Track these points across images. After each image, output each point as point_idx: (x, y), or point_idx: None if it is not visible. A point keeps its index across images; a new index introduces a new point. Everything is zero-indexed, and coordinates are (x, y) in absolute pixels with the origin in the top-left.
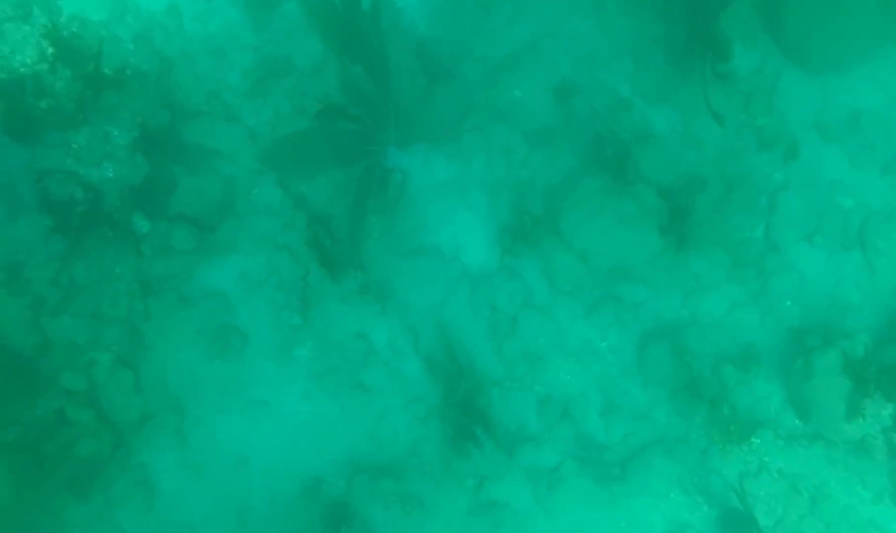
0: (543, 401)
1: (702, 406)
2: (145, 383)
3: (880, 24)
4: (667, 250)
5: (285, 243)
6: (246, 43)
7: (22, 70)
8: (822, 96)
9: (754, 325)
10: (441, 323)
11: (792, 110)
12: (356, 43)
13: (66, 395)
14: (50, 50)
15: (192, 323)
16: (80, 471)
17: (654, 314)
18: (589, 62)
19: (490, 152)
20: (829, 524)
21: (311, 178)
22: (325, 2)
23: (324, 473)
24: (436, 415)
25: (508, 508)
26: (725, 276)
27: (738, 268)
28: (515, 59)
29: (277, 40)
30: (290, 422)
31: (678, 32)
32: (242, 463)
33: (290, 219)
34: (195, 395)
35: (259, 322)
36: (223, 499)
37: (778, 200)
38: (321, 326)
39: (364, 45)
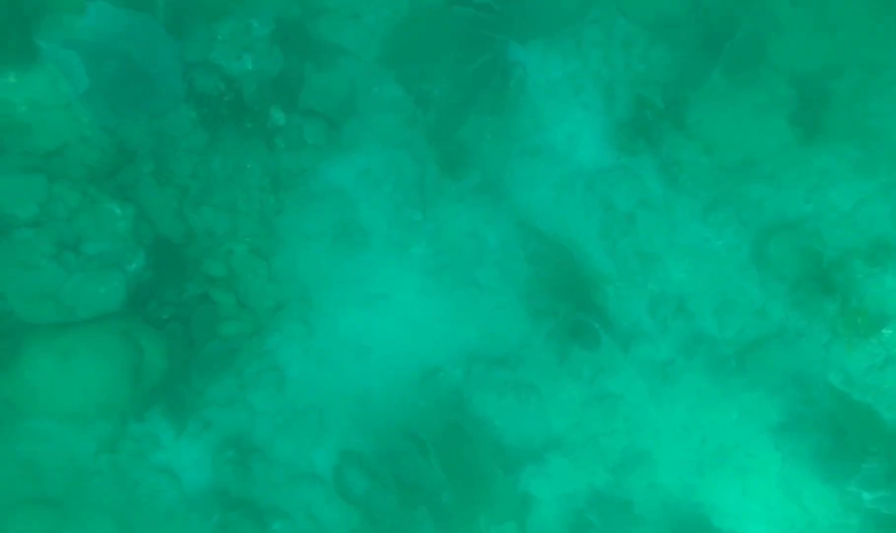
0: (657, 299)
1: (825, 300)
2: (277, 274)
3: None
4: (795, 143)
5: (404, 141)
6: None
7: None
8: None
9: (884, 218)
10: (554, 222)
11: None
12: None
13: (209, 281)
14: None
15: (318, 218)
16: (222, 351)
17: (775, 210)
18: None
19: (609, 46)
20: None
21: (432, 76)
22: None
23: (440, 362)
24: (549, 311)
25: (622, 400)
26: (854, 168)
27: (869, 160)
28: None
29: None
30: (406, 315)
31: None
32: (363, 352)
33: (410, 116)
34: (321, 287)
35: (378, 219)
36: (346, 385)
37: None
38: (436, 224)
39: None
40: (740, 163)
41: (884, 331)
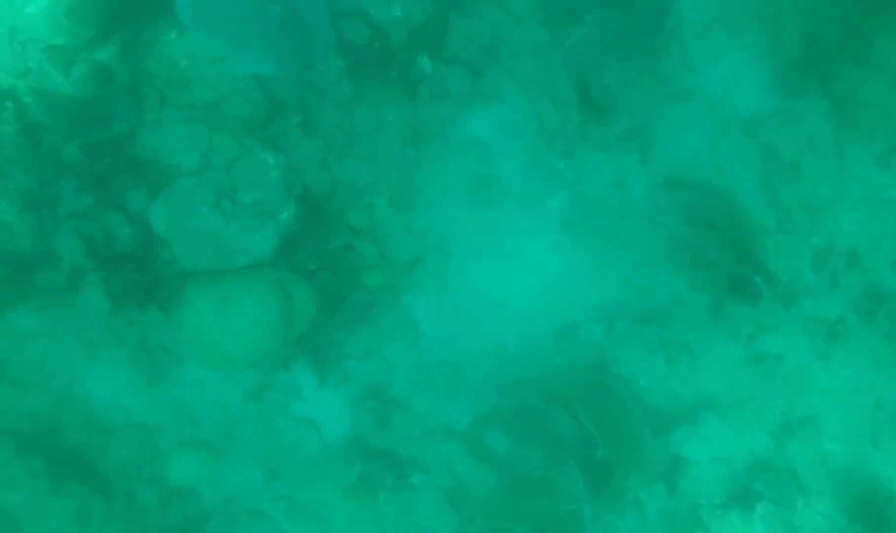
0: (824, 252)
1: None
2: (415, 227)
3: None
4: None
5: (546, 87)
6: None
7: None
8: None
9: None
10: (707, 171)
11: None
12: None
13: (352, 232)
14: None
15: (455, 170)
16: (362, 305)
17: None
18: None
19: None
20: None
21: (578, 18)
22: None
23: (579, 319)
24: (703, 264)
25: (783, 361)
26: None
27: None
28: None
29: None
30: (543, 270)
31: None
32: (498, 307)
33: (553, 61)
34: (456, 240)
35: (516, 171)
36: (481, 340)
37: None
38: (577, 174)
39: None
40: None
41: None
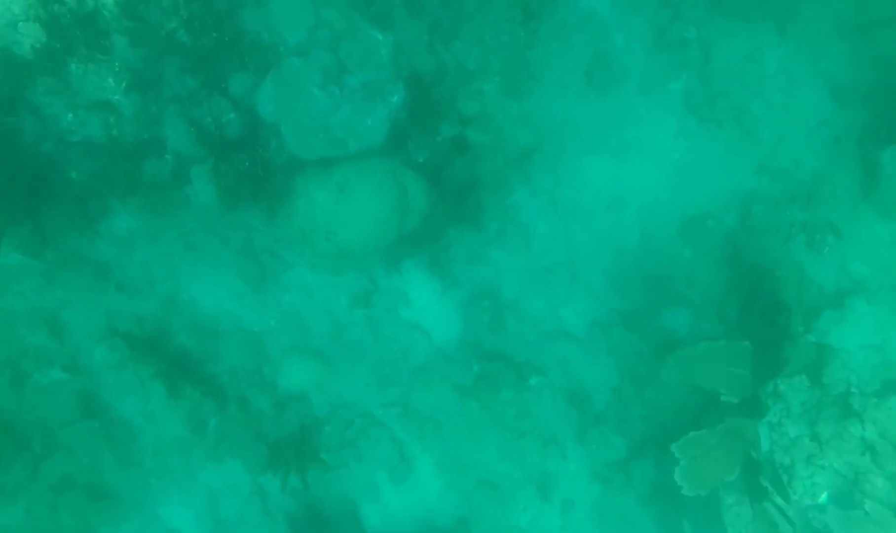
0: None
1: None
2: (527, 116)
3: None
4: None
5: None
6: None
7: None
8: None
9: None
10: (859, 40)
11: None
12: None
13: (462, 121)
14: None
15: (569, 51)
16: (472, 205)
17: None
18: None
19: None
20: None
21: None
22: None
23: (707, 208)
24: (850, 138)
25: None
26: None
27: None
28: None
29: None
30: (665, 160)
31: None
32: (617, 203)
33: None
34: (571, 130)
35: (635, 50)
36: (597, 239)
37: None
38: (704, 50)
39: None
40: None
41: None
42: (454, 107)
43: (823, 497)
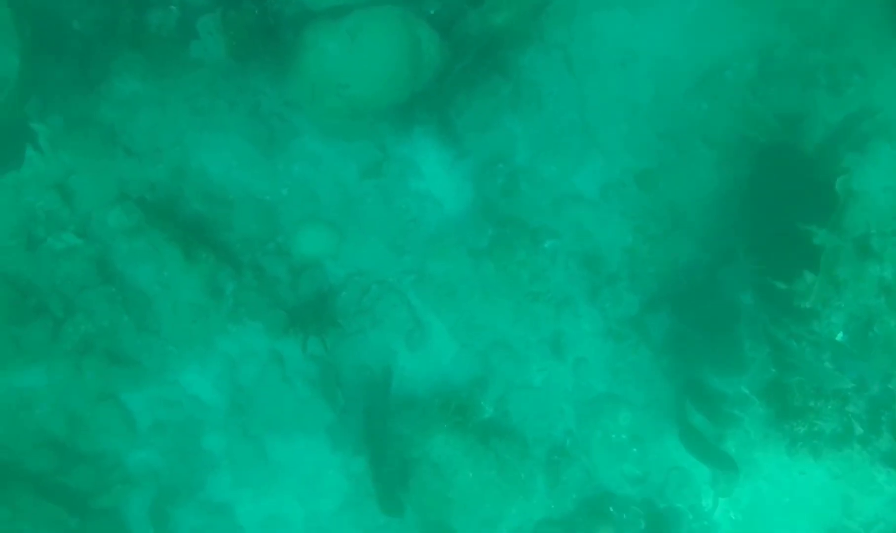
0: None
1: None
2: None
3: None
4: None
5: None
6: None
7: None
8: None
9: None
10: None
11: None
12: None
13: None
14: None
15: None
16: (483, 67)
17: None
18: None
19: None
20: None
21: None
22: None
23: (726, 60)
24: None
25: None
26: None
27: None
28: None
29: None
30: (681, 11)
31: None
32: (630, 58)
33: None
34: None
35: None
36: (611, 97)
37: None
38: None
39: None
40: None
41: None
42: None
43: (839, 336)
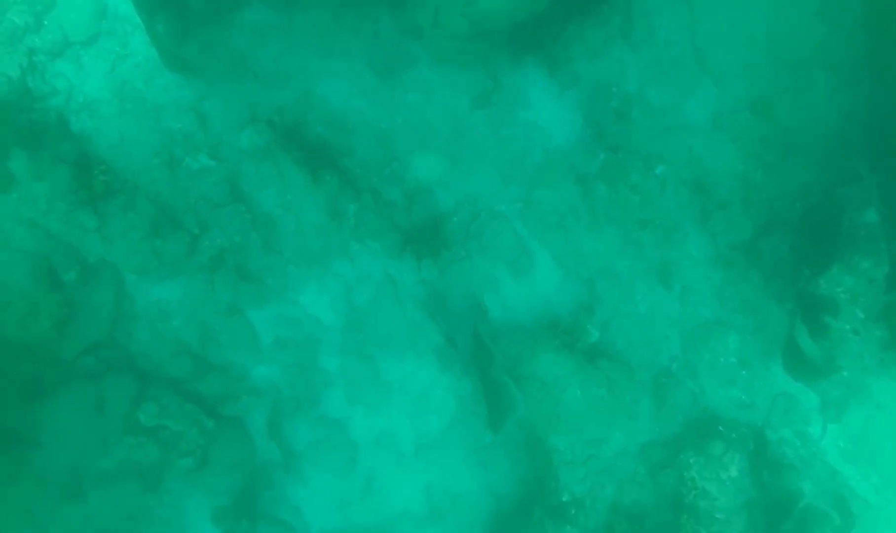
0: None
1: None
2: None
3: None
4: None
5: None
6: None
7: None
8: None
9: None
10: None
11: None
12: None
13: None
14: None
15: None
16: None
17: None
18: None
19: None
20: None
21: None
22: None
23: None
24: None
25: None
26: None
27: None
28: None
29: None
30: None
31: None
32: None
33: None
34: None
35: None
36: (726, 25)
37: None
38: None
39: None
40: None
41: None
42: None
43: None
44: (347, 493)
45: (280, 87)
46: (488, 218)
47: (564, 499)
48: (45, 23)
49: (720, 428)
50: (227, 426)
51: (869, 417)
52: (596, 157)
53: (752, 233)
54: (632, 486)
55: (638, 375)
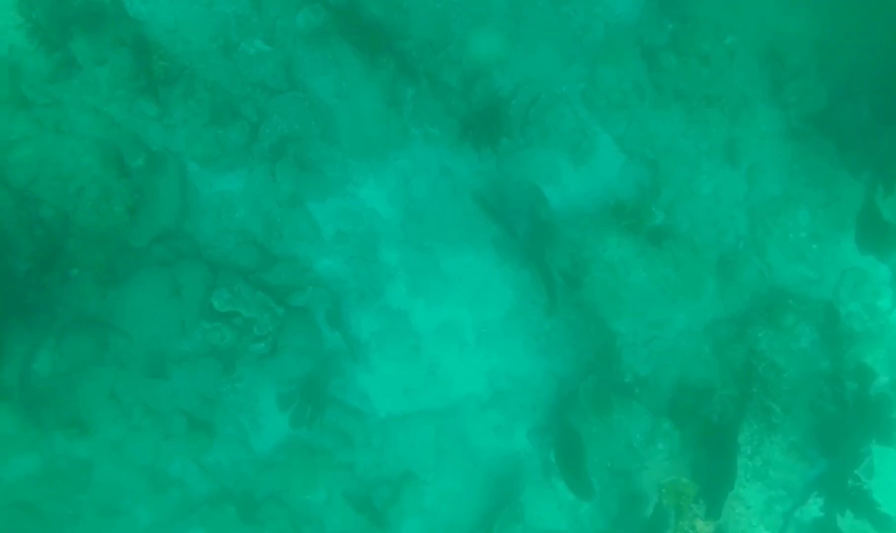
0: None
1: None
2: None
3: None
4: None
5: None
6: None
7: None
8: None
9: None
10: None
11: None
12: None
13: None
14: None
15: None
16: None
17: None
18: None
19: None
20: None
21: None
22: None
23: None
24: None
25: None
26: None
27: None
28: None
29: None
30: None
31: None
32: None
33: None
34: None
35: None
36: None
37: None
38: None
39: None
40: None
41: None
42: None
43: None
44: (412, 380)
45: None
46: (549, 101)
47: (627, 380)
48: None
49: (790, 302)
50: (295, 315)
51: None
52: (663, 29)
53: (828, 101)
54: (697, 363)
55: (704, 255)
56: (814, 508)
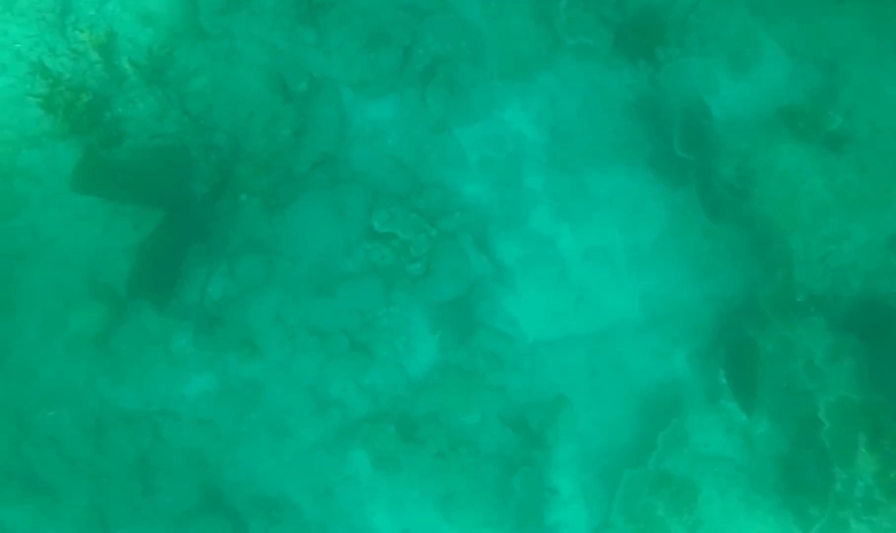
0: None
1: None
2: None
3: None
4: None
5: None
6: None
7: None
8: None
9: None
10: None
11: None
12: None
13: None
14: None
15: None
16: None
17: None
18: None
19: None
20: None
21: None
22: None
23: None
24: None
25: None
26: None
27: None
28: None
29: None
30: None
31: None
32: None
33: None
34: None
35: None
36: None
37: None
38: None
39: None
40: None
41: None
42: None
43: None
44: (561, 304)
45: None
46: (710, 5)
47: (800, 299)
48: None
49: None
50: (445, 239)
51: None
52: None
53: None
54: (883, 277)
55: (889, 161)
56: None
